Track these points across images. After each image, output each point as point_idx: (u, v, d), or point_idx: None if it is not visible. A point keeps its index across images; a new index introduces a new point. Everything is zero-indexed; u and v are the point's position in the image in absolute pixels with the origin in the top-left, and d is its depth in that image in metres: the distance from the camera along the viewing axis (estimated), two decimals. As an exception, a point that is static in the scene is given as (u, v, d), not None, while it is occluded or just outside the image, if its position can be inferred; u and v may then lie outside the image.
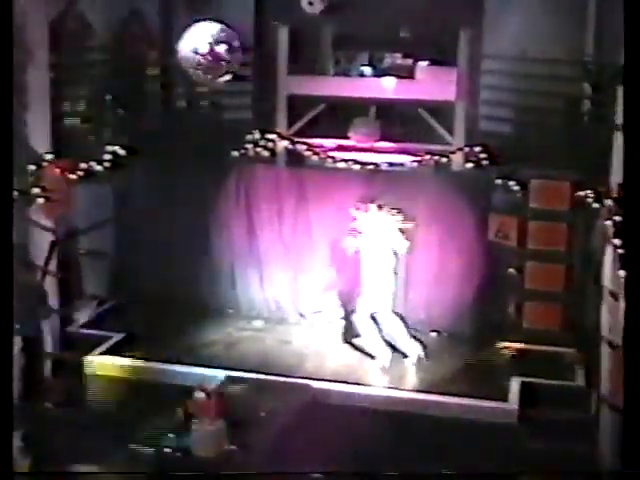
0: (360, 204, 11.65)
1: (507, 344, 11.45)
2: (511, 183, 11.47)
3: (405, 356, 11.36)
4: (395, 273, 11.64)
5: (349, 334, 11.94)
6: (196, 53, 11.66)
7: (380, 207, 11.61)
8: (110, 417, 10.00)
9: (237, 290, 12.84)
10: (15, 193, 10.74)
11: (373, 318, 11.59)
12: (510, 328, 11.59)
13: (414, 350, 11.37)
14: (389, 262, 11.51)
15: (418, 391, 10.54)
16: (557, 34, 11.39)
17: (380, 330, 11.58)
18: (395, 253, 11.56)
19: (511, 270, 11.62)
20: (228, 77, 12.04)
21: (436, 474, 8.61)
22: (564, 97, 11.53)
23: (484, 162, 11.81)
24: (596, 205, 10.44)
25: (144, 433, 9.43)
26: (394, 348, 11.44)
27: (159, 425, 9.56)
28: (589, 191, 10.64)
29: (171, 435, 9.24)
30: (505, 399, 10.25)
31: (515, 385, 10.46)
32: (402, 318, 11.79)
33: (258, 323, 12.54)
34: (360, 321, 11.63)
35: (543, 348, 11.25)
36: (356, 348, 11.71)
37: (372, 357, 11.41)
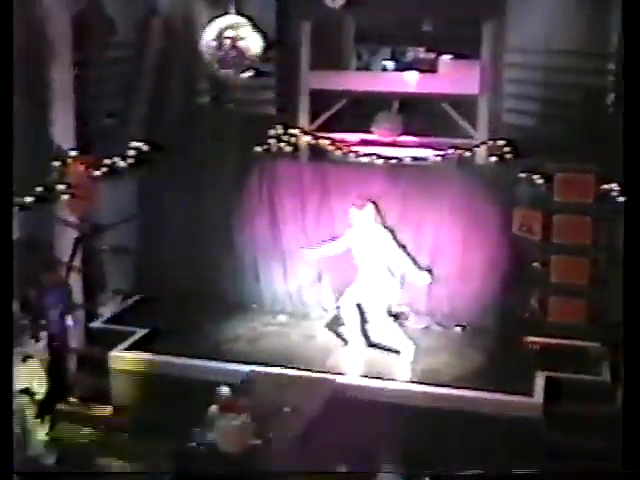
0: (358, 201, 11.59)
1: (532, 338, 11.39)
2: (535, 177, 11.43)
3: (398, 353, 11.34)
4: (391, 273, 11.51)
5: (335, 323, 12.05)
6: (219, 48, 11.66)
7: (376, 206, 11.58)
8: (134, 412, 10.03)
9: (261, 285, 12.86)
10: (39, 189, 10.85)
11: (359, 308, 11.58)
12: (535, 322, 11.54)
13: (408, 348, 11.30)
14: (381, 261, 11.44)
15: (442, 386, 10.48)
16: (581, 26, 11.32)
17: (364, 321, 11.59)
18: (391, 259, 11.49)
19: (535, 264, 11.58)
20: (251, 72, 12.03)
21: (461, 475, 8.58)
22: (588, 89, 11.45)
23: (508, 156, 11.77)
24: (621, 198, 10.38)
25: (168, 428, 9.45)
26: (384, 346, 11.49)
27: (184, 420, 9.58)
28: (614, 184, 10.58)
29: (196, 430, 9.25)
30: (530, 394, 10.21)
31: (540, 380, 10.42)
32: (395, 316, 11.94)
33: (282, 318, 12.55)
34: (344, 308, 11.63)
35: (568, 342, 11.20)
36: (337, 335, 11.81)
37: (346, 342, 11.55)
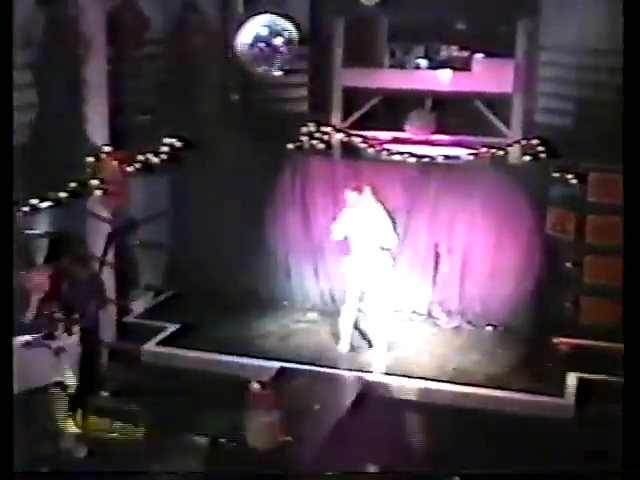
0: (356, 185, 11.31)
1: (564, 339, 11.33)
2: (569, 176, 11.35)
3: (370, 345, 11.37)
4: (388, 261, 11.37)
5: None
6: (253, 45, 11.68)
7: (374, 191, 11.31)
8: (166, 407, 10.07)
9: (292, 282, 12.88)
10: (73, 184, 10.93)
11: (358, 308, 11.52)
12: (567, 323, 11.47)
13: (381, 344, 11.28)
14: (376, 250, 11.23)
15: (473, 385, 10.44)
16: (616, 24, 11.21)
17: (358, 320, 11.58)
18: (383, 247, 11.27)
19: (568, 264, 11.51)
20: (284, 69, 12.04)
21: (489, 474, 8.53)
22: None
23: (541, 155, 11.71)
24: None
25: (199, 423, 9.48)
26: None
27: (214, 416, 9.62)
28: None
29: (226, 426, 9.29)
30: (561, 395, 10.15)
31: (572, 381, 10.35)
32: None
33: (313, 315, 12.56)
34: (344, 307, 11.57)
35: (601, 344, 11.11)
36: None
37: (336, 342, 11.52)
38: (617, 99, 11.44)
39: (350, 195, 11.19)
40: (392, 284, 11.69)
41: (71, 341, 10.40)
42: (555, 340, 11.34)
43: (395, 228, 11.34)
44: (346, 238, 11.29)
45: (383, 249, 11.21)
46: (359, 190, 11.21)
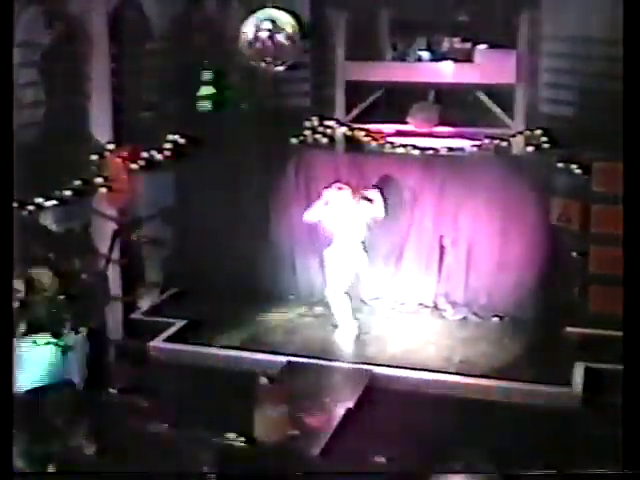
0: (337, 184, 11.60)
1: (570, 329, 11.33)
2: (573, 166, 11.35)
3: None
4: (365, 251, 11.59)
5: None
6: (256, 41, 11.66)
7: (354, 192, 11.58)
8: (173, 403, 10.10)
9: (297, 276, 12.91)
10: (78, 182, 10.95)
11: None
12: (574, 313, 11.47)
13: (351, 330, 11.51)
14: (355, 234, 11.48)
15: (480, 376, 10.45)
16: (619, 14, 11.19)
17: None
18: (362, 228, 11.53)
19: (574, 254, 11.51)
20: (287, 64, 12.04)
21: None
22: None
23: (545, 145, 11.70)
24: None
25: (207, 419, 9.50)
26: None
27: (221, 411, 9.63)
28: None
29: (233, 420, 9.30)
30: (569, 384, 10.15)
31: (579, 370, 10.35)
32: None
33: (319, 309, 12.57)
34: (330, 296, 11.72)
35: (608, 333, 11.10)
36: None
37: (335, 327, 11.66)
38: (620, 88, 11.47)
39: (329, 192, 11.46)
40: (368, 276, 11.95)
41: (78, 339, 10.46)
42: (561, 330, 11.34)
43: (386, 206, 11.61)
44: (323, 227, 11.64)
45: (362, 243, 11.48)
46: (338, 189, 11.47)
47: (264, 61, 11.60)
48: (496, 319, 12.08)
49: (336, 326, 11.67)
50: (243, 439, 9.05)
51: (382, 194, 11.75)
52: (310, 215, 11.71)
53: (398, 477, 8.43)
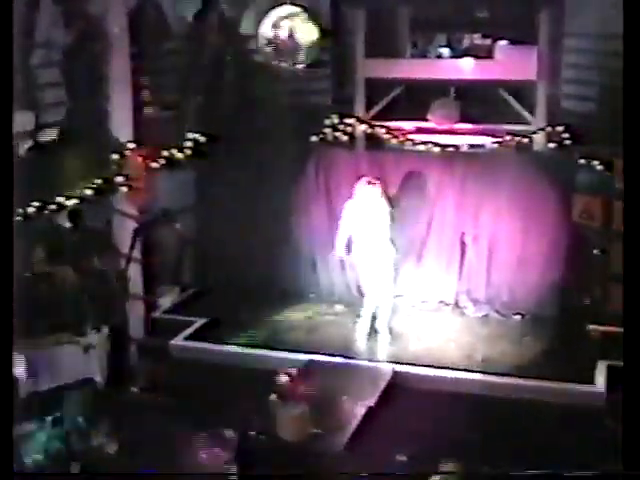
0: (368, 179, 11.45)
1: (593, 327, 11.26)
2: (595, 163, 11.28)
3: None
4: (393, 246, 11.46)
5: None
6: (275, 39, 11.65)
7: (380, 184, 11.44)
8: (194, 401, 10.11)
9: (318, 274, 12.89)
10: (98, 181, 10.99)
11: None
12: (596, 310, 11.41)
13: (383, 338, 11.42)
14: (382, 234, 11.35)
15: (502, 375, 10.41)
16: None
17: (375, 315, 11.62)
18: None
19: (596, 251, 11.44)
20: (307, 62, 12.02)
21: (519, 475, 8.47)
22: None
23: (567, 142, 11.64)
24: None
25: (228, 417, 9.51)
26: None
27: (243, 409, 9.64)
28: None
29: (255, 419, 9.30)
30: (591, 382, 10.09)
31: (602, 368, 10.29)
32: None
33: (339, 307, 12.55)
34: (369, 297, 11.65)
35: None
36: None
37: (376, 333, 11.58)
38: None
39: (360, 186, 11.31)
40: (397, 275, 11.75)
41: (100, 338, 10.50)
42: (584, 328, 11.27)
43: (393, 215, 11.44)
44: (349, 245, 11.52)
45: (389, 240, 11.35)
46: (373, 184, 11.34)
47: (283, 59, 11.58)
48: (518, 317, 12.02)
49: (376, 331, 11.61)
50: (264, 437, 9.07)
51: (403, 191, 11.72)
52: (339, 249, 11.64)
53: (419, 476, 8.40)
